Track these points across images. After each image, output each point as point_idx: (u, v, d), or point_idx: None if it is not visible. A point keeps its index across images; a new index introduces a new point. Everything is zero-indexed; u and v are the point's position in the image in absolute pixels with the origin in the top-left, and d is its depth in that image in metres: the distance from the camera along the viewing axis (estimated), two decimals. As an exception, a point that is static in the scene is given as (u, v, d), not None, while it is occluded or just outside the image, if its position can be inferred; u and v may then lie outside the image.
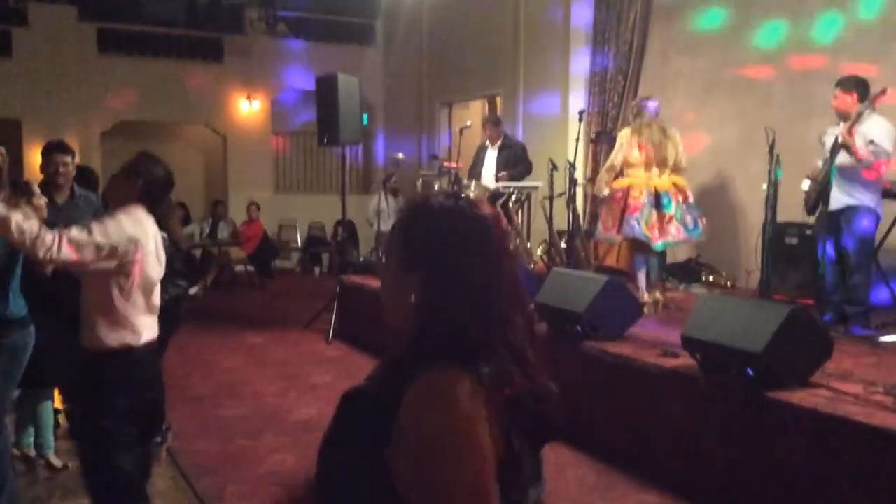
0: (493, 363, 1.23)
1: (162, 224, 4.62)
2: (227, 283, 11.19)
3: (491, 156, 8.19)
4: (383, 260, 1.38)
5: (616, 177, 6.35)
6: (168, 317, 4.64)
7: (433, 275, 1.27)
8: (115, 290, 2.87)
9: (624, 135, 6.33)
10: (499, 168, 8.05)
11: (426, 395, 1.19)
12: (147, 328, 2.99)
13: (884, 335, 5.03)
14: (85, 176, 5.04)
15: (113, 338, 2.87)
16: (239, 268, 11.60)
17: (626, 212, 6.10)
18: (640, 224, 6.02)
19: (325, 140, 8.26)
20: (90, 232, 2.75)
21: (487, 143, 8.30)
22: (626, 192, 6.14)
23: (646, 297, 6.10)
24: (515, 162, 8.07)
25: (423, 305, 1.28)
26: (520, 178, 7.98)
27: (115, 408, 2.85)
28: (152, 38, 12.49)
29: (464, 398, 1.18)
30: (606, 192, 6.37)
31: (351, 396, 1.33)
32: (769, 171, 5.44)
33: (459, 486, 1.16)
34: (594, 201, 7.83)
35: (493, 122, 8.38)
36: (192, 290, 10.40)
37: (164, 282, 4.56)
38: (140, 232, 2.92)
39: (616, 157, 6.30)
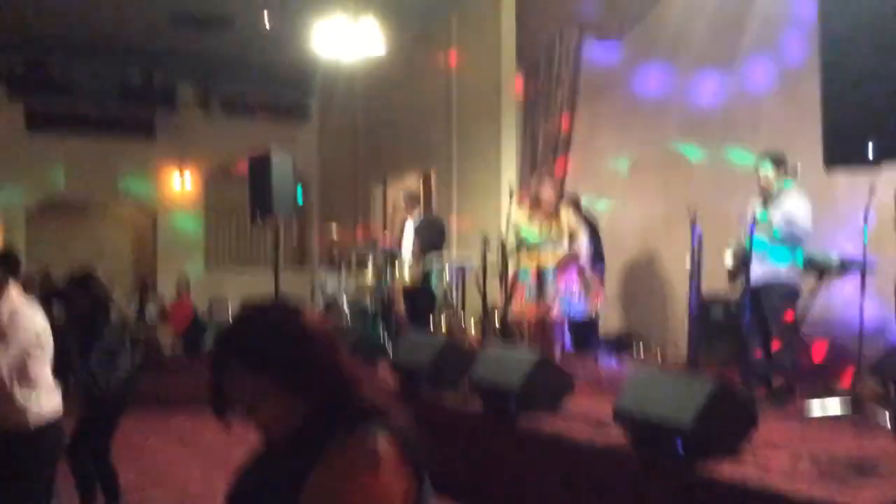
0: (384, 417, 1.46)
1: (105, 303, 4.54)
2: (155, 364, 10.85)
3: (409, 230, 8.32)
4: (234, 370, 1.54)
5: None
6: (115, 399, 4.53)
7: (283, 368, 1.48)
8: None
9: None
10: (416, 243, 8.14)
11: (356, 456, 1.38)
12: None
13: (808, 404, 5.13)
14: (6, 261, 4.88)
15: None
16: (167, 349, 11.28)
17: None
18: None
19: (258, 215, 8.20)
20: None
21: (408, 217, 8.41)
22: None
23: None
24: (428, 233, 8.21)
25: (297, 397, 1.48)
26: (431, 245, 8.07)
27: None
28: (83, 115, 12.36)
29: (385, 452, 1.39)
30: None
31: (248, 490, 1.53)
32: (691, 250, 5.58)
33: None
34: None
35: (408, 197, 8.54)
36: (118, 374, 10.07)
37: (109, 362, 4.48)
38: None
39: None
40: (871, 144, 3.06)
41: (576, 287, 6.49)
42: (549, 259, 6.50)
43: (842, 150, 3.22)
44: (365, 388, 1.52)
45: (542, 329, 6.73)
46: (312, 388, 1.47)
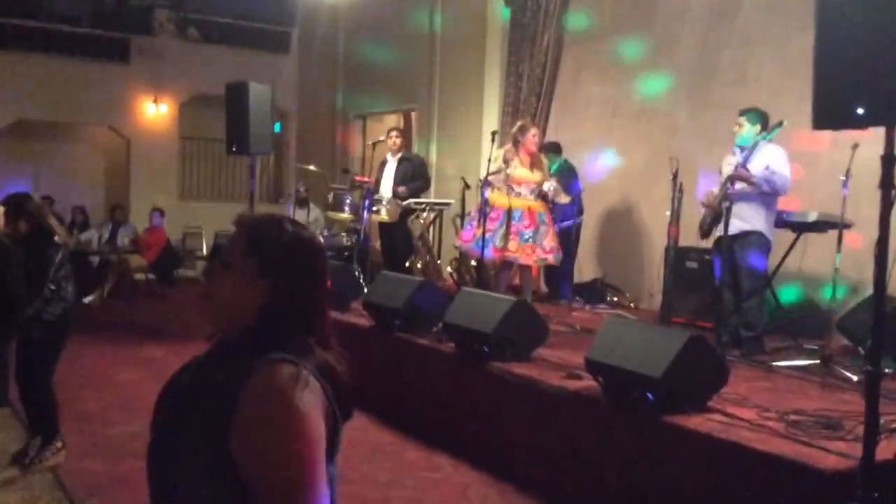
0: (318, 355, 1.50)
1: (39, 223, 4.42)
2: (126, 292, 10.78)
3: (390, 168, 8.17)
4: (220, 262, 1.56)
5: None
6: (55, 328, 4.43)
7: (285, 283, 1.51)
8: None
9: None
10: (396, 181, 8.02)
11: (271, 386, 1.38)
12: None
13: (777, 359, 5.22)
14: None
15: None
16: (139, 276, 11.20)
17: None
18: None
19: (234, 148, 8.05)
20: None
21: (388, 155, 8.28)
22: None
23: None
24: (413, 176, 8.07)
25: (270, 307, 1.50)
26: (416, 193, 7.97)
27: None
28: (56, 35, 12.00)
29: (303, 387, 1.39)
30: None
31: (177, 392, 1.54)
32: (672, 199, 5.59)
33: (301, 467, 1.36)
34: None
35: (399, 130, 8.37)
36: (88, 299, 10.06)
37: (51, 289, 4.36)
38: None
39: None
40: (860, 105, 3.04)
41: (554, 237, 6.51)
42: (542, 205, 6.48)
43: (831, 110, 3.19)
44: (326, 327, 1.57)
45: (523, 272, 6.74)
46: (286, 309, 1.51)
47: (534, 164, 6.57)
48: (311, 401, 1.41)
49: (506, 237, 6.36)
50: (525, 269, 6.71)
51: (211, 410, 1.40)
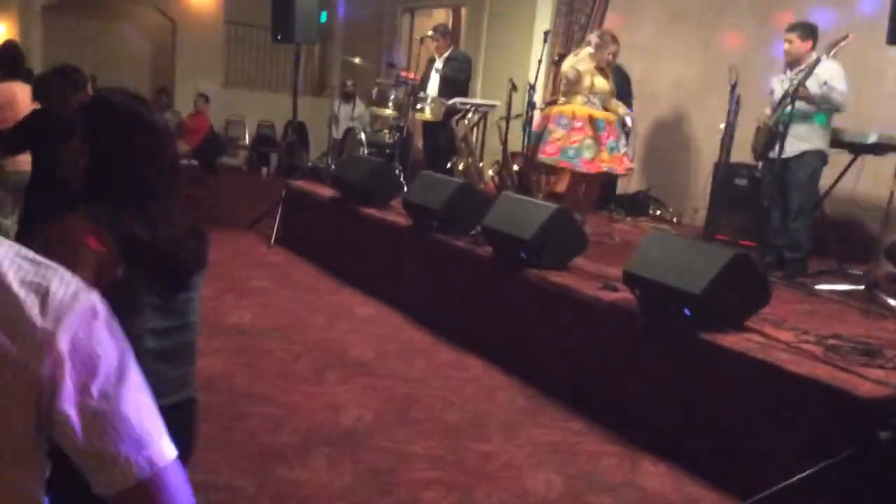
0: (149, 214, 1.71)
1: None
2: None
3: (436, 66, 7.99)
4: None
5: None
6: None
7: (100, 146, 1.75)
8: None
9: None
10: (442, 81, 7.85)
11: (56, 229, 1.63)
12: None
13: (820, 283, 5.11)
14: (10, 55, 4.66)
15: None
16: (182, 162, 11.25)
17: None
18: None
19: (279, 36, 7.93)
20: None
21: (435, 55, 8.08)
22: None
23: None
24: (455, 73, 7.88)
25: (90, 169, 1.74)
26: (456, 84, 7.80)
27: None
28: None
29: (80, 230, 1.61)
30: None
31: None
32: (728, 111, 5.39)
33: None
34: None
35: (440, 33, 8.09)
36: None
37: None
38: None
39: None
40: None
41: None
42: (611, 114, 6.24)
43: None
44: (160, 191, 1.78)
45: (574, 182, 6.57)
46: (102, 170, 1.74)
47: (608, 77, 6.32)
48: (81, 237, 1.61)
49: (595, 148, 6.16)
50: (594, 180, 6.50)
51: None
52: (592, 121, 6.15)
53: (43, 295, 0.95)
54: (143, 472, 1.00)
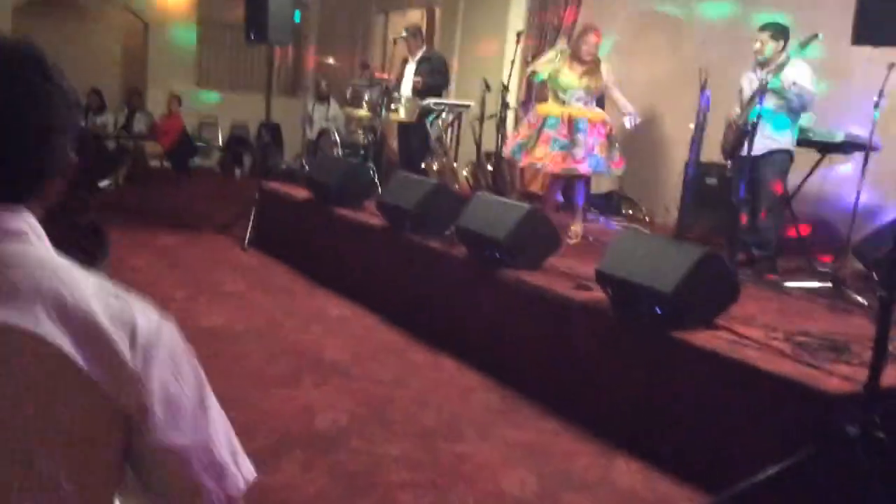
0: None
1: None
2: (142, 178, 10.78)
3: (410, 69, 7.97)
4: None
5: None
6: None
7: None
8: None
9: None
10: (415, 81, 7.86)
11: None
12: None
13: (789, 281, 5.18)
14: None
15: None
16: (154, 163, 11.17)
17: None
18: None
19: (253, 37, 7.89)
20: None
21: (408, 56, 8.08)
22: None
23: (580, 227, 6.22)
24: (431, 74, 7.88)
25: None
26: (434, 88, 7.78)
27: None
28: None
29: None
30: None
31: None
32: (698, 111, 5.45)
33: None
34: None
35: (410, 34, 8.09)
36: (104, 184, 10.07)
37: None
38: None
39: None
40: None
41: (603, 147, 6.20)
42: (584, 112, 6.18)
43: (873, 25, 3.06)
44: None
45: (551, 181, 6.58)
46: None
47: (586, 72, 6.20)
48: None
49: (535, 143, 6.18)
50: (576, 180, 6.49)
51: None
52: (546, 118, 6.16)
53: (131, 331, 1.00)
54: (220, 498, 1.06)
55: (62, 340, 0.95)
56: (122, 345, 0.98)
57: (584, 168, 6.16)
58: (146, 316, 1.03)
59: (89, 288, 1.01)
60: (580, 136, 6.12)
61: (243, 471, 1.09)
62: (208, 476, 1.04)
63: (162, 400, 1.00)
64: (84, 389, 0.96)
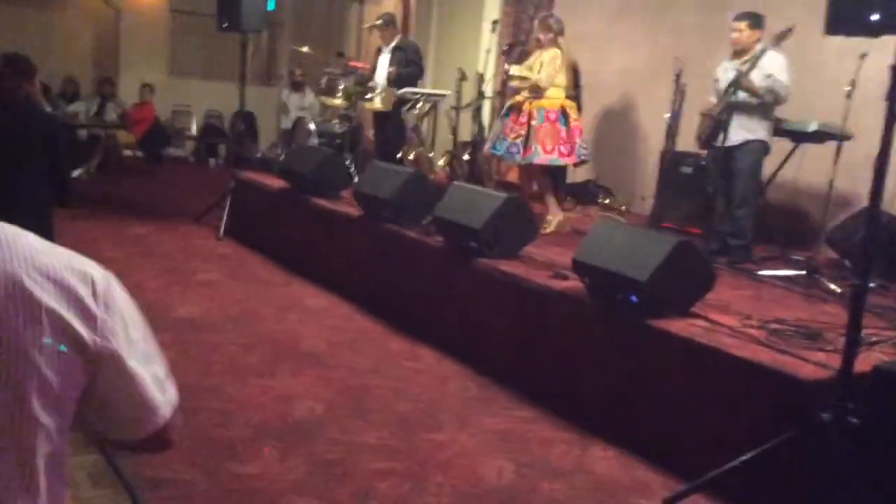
0: None
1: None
2: (114, 167, 10.65)
3: (384, 59, 7.90)
4: None
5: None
6: None
7: None
8: None
9: (558, 56, 6.15)
10: (390, 69, 7.80)
11: None
12: None
13: (763, 269, 5.23)
14: None
15: None
16: (127, 152, 11.03)
17: (573, 135, 6.08)
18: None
19: (225, 24, 7.80)
20: None
21: (382, 45, 8.02)
22: (565, 113, 6.10)
23: (560, 216, 6.21)
24: (406, 63, 7.82)
25: None
26: (409, 78, 7.72)
27: None
28: None
29: None
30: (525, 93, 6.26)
31: None
32: (673, 101, 5.47)
33: None
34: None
35: (383, 23, 8.01)
36: (76, 173, 9.94)
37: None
38: None
39: (560, 78, 6.18)
40: (876, 11, 2.94)
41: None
42: (530, 103, 6.11)
43: (845, 15, 3.08)
44: None
45: (525, 171, 6.55)
46: None
47: (537, 60, 6.21)
48: None
49: (501, 136, 6.21)
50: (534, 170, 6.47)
51: None
52: (529, 114, 6.12)
53: (91, 282, 1.11)
54: (167, 413, 1.23)
55: (41, 294, 1.05)
56: (87, 295, 1.09)
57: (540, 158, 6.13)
58: (93, 267, 1.14)
59: (38, 245, 1.09)
60: (534, 124, 6.11)
61: (172, 394, 1.25)
62: (159, 392, 1.21)
63: (124, 339, 1.13)
64: (63, 334, 1.07)
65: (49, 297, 1.05)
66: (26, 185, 4.21)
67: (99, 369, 1.12)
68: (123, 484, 3.01)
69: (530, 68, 6.18)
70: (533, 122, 6.03)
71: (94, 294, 1.10)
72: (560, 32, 6.20)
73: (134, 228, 7.49)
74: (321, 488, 3.13)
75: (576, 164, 6.51)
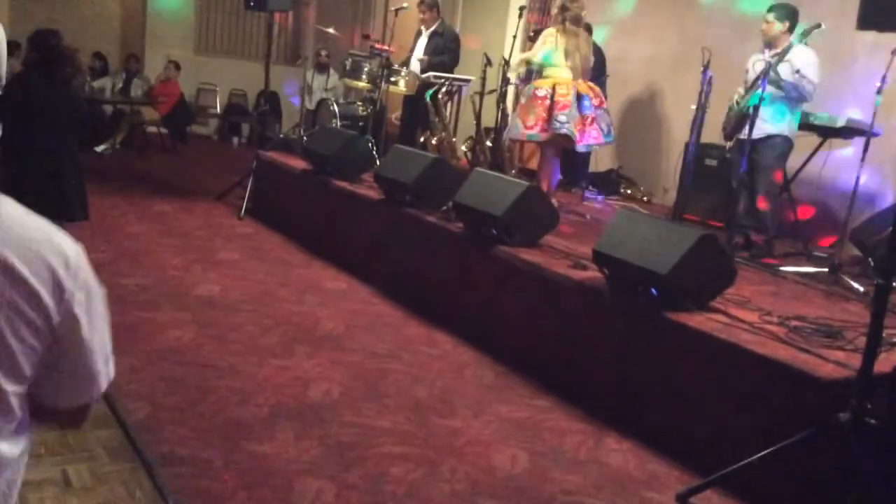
0: None
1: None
2: (138, 144, 10.71)
3: (422, 42, 7.88)
4: None
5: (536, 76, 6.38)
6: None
7: None
8: None
9: (550, 34, 6.22)
10: (426, 53, 7.77)
11: None
12: None
13: (785, 265, 5.18)
14: None
15: None
16: (152, 129, 11.09)
17: (553, 109, 6.06)
18: (570, 122, 6.00)
19: (252, 3, 7.81)
20: None
21: (422, 27, 7.99)
22: (552, 90, 6.08)
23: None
24: (441, 51, 7.79)
25: None
26: (441, 67, 7.68)
27: None
28: None
29: None
30: (513, 77, 6.36)
31: None
32: (700, 92, 5.42)
33: None
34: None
35: (427, 5, 7.99)
36: (101, 148, 10.02)
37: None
38: None
39: (535, 54, 6.25)
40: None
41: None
42: (584, 85, 6.16)
43: (879, 9, 3.03)
44: None
45: (544, 157, 6.53)
46: None
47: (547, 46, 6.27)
48: None
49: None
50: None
51: None
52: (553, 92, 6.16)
53: (64, 258, 1.21)
54: (103, 386, 1.34)
55: (13, 261, 1.16)
56: (60, 268, 1.20)
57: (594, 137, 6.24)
58: (66, 242, 1.24)
59: (16, 214, 1.19)
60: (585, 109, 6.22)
61: (112, 370, 1.36)
62: (103, 364, 1.32)
63: (86, 310, 1.25)
64: (33, 301, 1.18)
65: (24, 268, 1.16)
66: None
67: (59, 336, 1.23)
68: (140, 459, 3.05)
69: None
70: (521, 100, 6.23)
71: (67, 266, 1.21)
72: (562, 9, 6.23)
73: (157, 205, 7.54)
74: (335, 470, 3.15)
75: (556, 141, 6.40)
